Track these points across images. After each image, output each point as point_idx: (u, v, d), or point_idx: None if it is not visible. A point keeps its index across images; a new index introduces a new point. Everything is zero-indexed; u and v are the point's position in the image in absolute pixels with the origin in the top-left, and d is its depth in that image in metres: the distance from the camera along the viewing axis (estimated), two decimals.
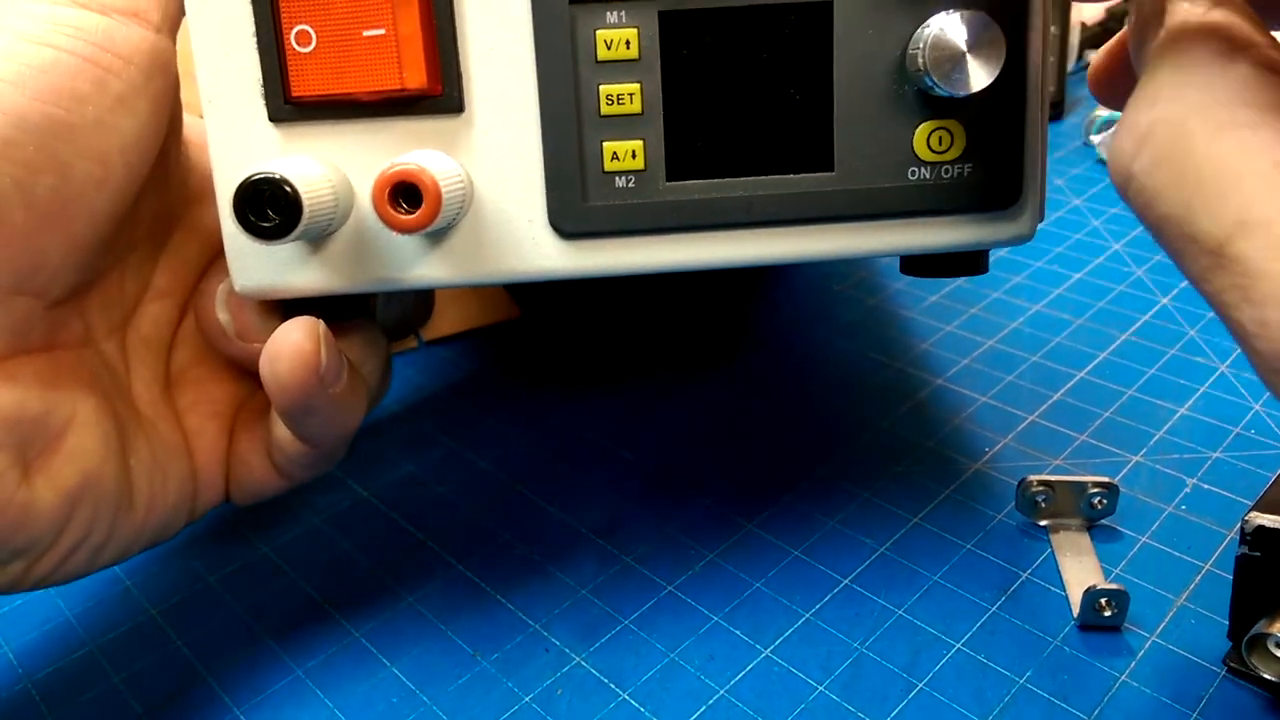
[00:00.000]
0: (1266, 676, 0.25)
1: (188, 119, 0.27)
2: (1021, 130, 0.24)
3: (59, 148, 0.22)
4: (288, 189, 0.21)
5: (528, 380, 0.40)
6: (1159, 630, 0.28)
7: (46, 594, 0.31)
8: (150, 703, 0.27)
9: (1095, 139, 0.58)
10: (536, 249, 0.24)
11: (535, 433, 0.37)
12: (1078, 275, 0.46)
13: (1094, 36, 0.75)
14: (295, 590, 0.31)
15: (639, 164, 0.24)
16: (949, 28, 0.22)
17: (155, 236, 0.27)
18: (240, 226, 0.21)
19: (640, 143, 0.24)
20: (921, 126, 0.24)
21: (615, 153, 0.24)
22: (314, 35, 0.22)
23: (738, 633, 0.28)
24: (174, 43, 0.24)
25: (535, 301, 0.44)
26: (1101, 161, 0.58)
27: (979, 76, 0.22)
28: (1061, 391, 0.38)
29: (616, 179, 0.24)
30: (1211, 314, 0.42)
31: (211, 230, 0.27)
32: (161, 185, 0.26)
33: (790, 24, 0.23)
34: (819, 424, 0.37)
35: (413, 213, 0.21)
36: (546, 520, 0.33)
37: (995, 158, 0.24)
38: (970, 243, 0.25)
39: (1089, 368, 0.39)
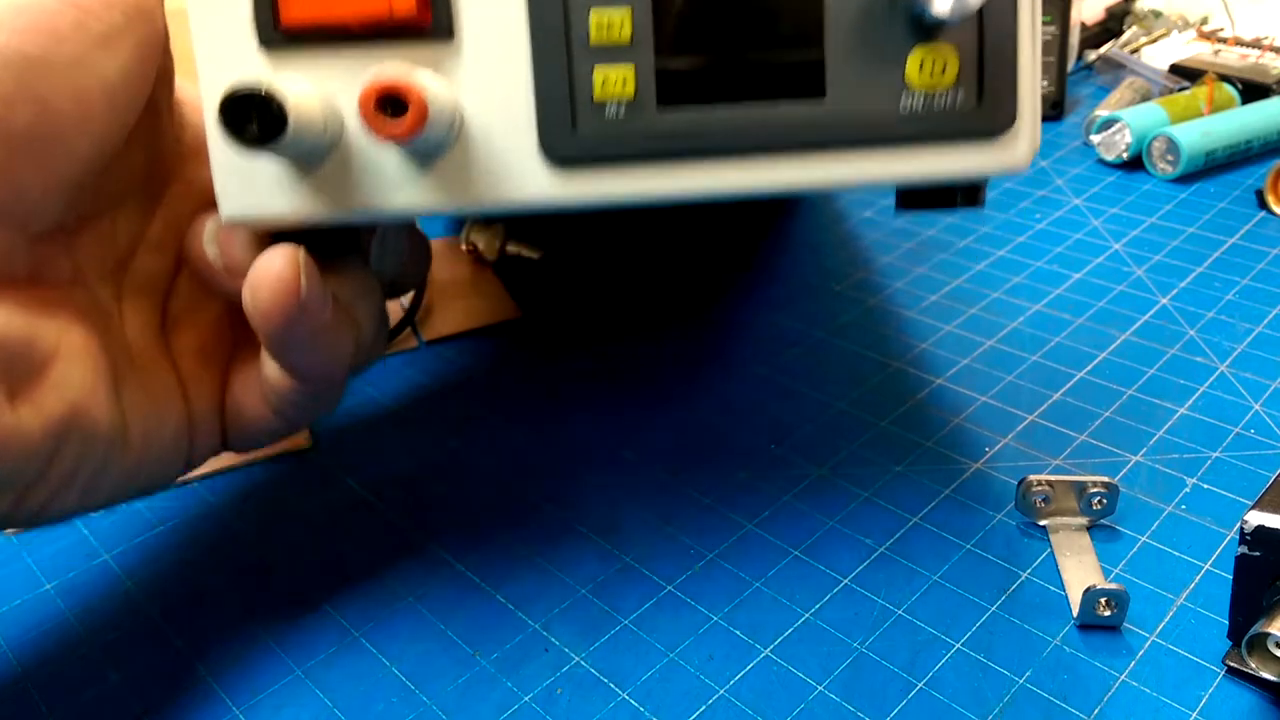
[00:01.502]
0: (1266, 676, 0.25)
1: (181, 82, 0.27)
2: (1015, 55, 0.23)
3: (35, 82, 0.22)
4: (273, 97, 0.21)
5: (528, 380, 0.40)
6: (1159, 630, 0.28)
7: (46, 593, 0.31)
8: (150, 703, 0.27)
9: (1095, 139, 0.58)
10: (526, 177, 0.24)
11: (535, 432, 0.37)
12: (1078, 275, 0.46)
13: (1094, 36, 0.75)
14: (295, 590, 0.31)
15: (629, 92, 0.24)
16: None
17: (149, 189, 0.27)
18: (226, 132, 0.21)
19: (630, 70, 0.24)
20: (914, 52, 0.24)
21: (605, 80, 0.24)
22: None
23: (737, 632, 0.28)
24: None
25: (534, 301, 0.44)
26: (1101, 161, 0.58)
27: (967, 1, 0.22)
28: (1061, 391, 0.38)
29: (607, 107, 0.24)
30: (1211, 314, 0.42)
31: (206, 188, 0.27)
32: (154, 137, 0.26)
33: None
34: (819, 424, 0.37)
35: (400, 120, 0.21)
36: (546, 520, 0.33)
37: (988, 84, 0.24)
38: (964, 171, 0.25)
39: (1089, 368, 0.39)
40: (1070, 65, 0.68)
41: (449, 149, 0.24)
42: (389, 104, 0.21)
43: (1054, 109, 0.65)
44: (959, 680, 0.26)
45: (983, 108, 0.24)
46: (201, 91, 0.24)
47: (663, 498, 0.33)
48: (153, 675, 0.28)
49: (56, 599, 0.31)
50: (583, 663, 0.28)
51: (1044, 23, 0.64)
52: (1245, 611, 0.25)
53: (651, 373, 0.40)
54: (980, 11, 0.22)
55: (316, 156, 0.24)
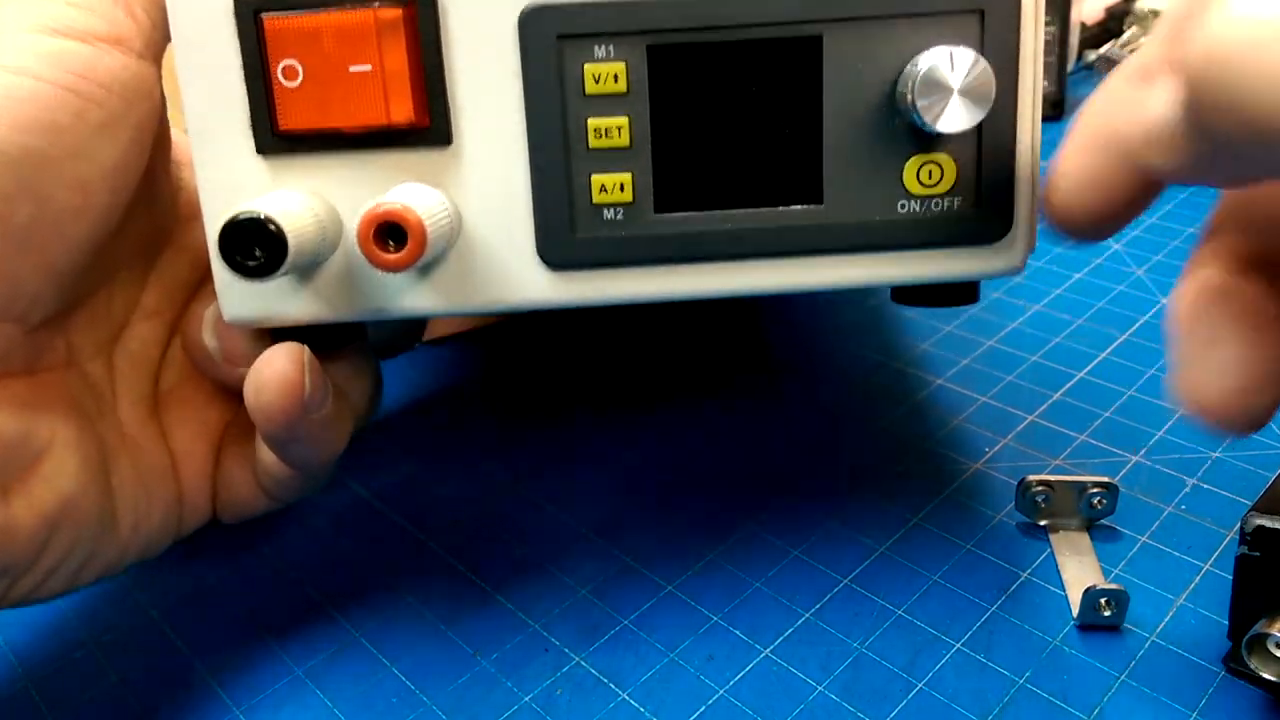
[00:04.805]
0: (1266, 676, 0.25)
1: (178, 137, 0.26)
2: (1012, 164, 0.24)
3: (36, 177, 0.21)
4: (272, 228, 0.21)
5: (527, 380, 0.40)
6: (1159, 630, 0.28)
7: None
8: (150, 703, 0.27)
9: None
10: (525, 280, 0.24)
11: (535, 432, 0.37)
12: (1078, 275, 0.46)
13: (1094, 36, 0.75)
14: (295, 590, 0.31)
15: (627, 196, 0.24)
16: (939, 66, 0.21)
17: (144, 256, 0.27)
18: (226, 265, 0.21)
19: (628, 175, 0.24)
20: (911, 160, 0.24)
21: (603, 185, 0.24)
22: (300, 70, 0.22)
23: (737, 633, 0.28)
24: (158, 66, 0.24)
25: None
26: None
27: (968, 116, 0.22)
28: (1061, 391, 0.38)
29: (604, 211, 0.24)
30: None
31: (201, 249, 0.26)
32: (150, 205, 0.26)
33: (780, 58, 0.23)
34: (819, 424, 0.37)
35: (398, 251, 0.21)
36: (546, 520, 0.33)
37: (985, 191, 0.24)
38: (959, 275, 0.25)
39: (1089, 368, 0.39)
40: (1070, 65, 0.67)
41: (448, 252, 0.24)
42: (388, 234, 0.21)
43: (1054, 109, 0.65)
44: (959, 680, 0.26)
45: (979, 214, 0.24)
46: (200, 196, 0.24)
47: (663, 498, 0.33)
48: (153, 675, 0.28)
49: (57, 599, 0.31)
50: (583, 663, 0.28)
51: (1044, 23, 0.64)
52: (1245, 611, 0.25)
53: (652, 372, 0.40)
54: (979, 123, 0.22)
55: (317, 265, 0.24)
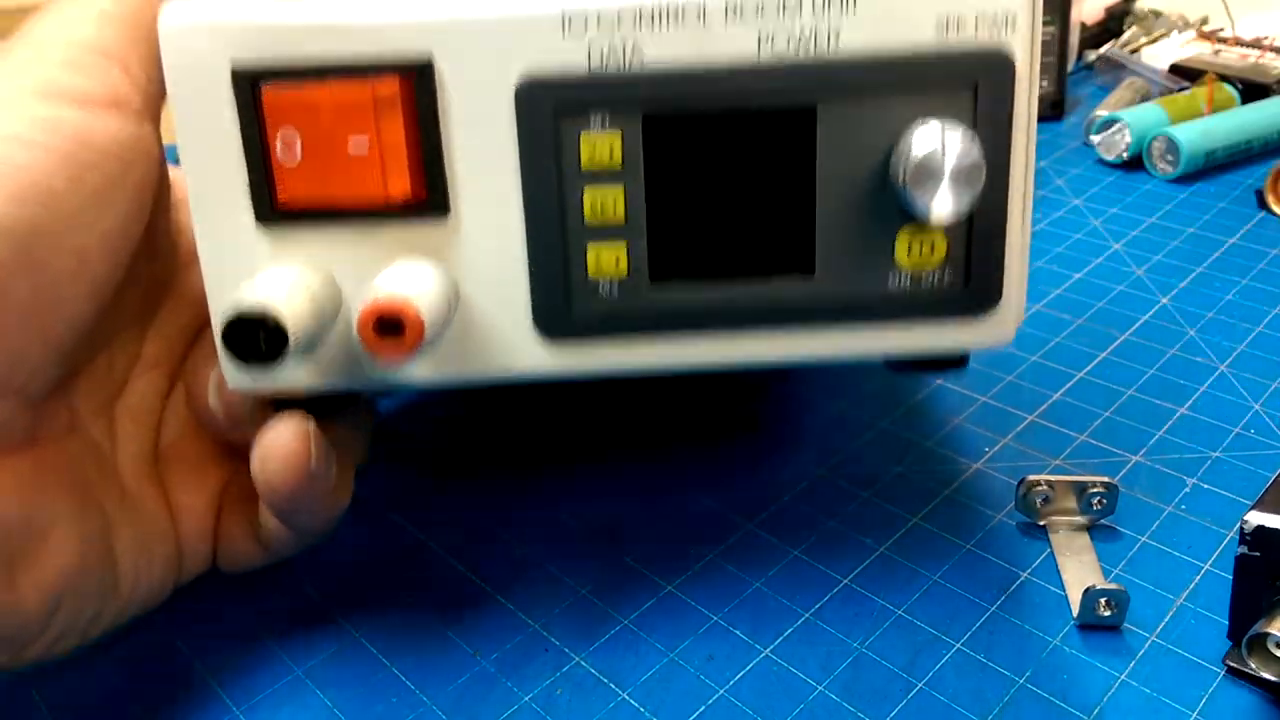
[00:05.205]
0: (1266, 676, 0.25)
1: (176, 177, 0.26)
2: (1002, 240, 0.24)
3: (35, 247, 0.21)
4: (272, 322, 0.21)
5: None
6: (1159, 630, 0.28)
7: None
8: (150, 703, 0.27)
9: (1095, 139, 0.58)
10: (522, 350, 0.25)
11: (535, 432, 0.37)
12: (1078, 275, 0.46)
13: (1094, 36, 0.75)
14: (295, 590, 0.31)
15: (622, 269, 0.24)
16: (931, 155, 0.22)
17: (144, 309, 0.27)
18: (230, 356, 0.21)
19: (624, 247, 0.24)
20: (902, 233, 0.24)
21: (599, 257, 0.24)
22: (299, 146, 0.22)
23: (737, 633, 0.28)
24: (157, 124, 0.24)
25: None
26: (1101, 162, 0.58)
27: (959, 204, 0.22)
28: (1061, 391, 0.38)
29: (600, 284, 0.24)
30: (1211, 314, 0.42)
31: (200, 296, 0.26)
32: (149, 259, 0.26)
33: (774, 130, 0.23)
34: (819, 424, 0.37)
35: (397, 344, 0.21)
36: (546, 520, 0.33)
37: (975, 267, 0.24)
38: (949, 346, 0.25)
39: (1089, 368, 0.39)
40: (1070, 65, 0.68)
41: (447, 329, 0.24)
42: (387, 326, 0.21)
43: (1054, 109, 0.65)
44: (959, 680, 0.26)
45: (970, 288, 0.24)
46: (202, 265, 0.24)
47: (663, 498, 0.33)
48: (153, 675, 0.28)
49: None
50: (583, 663, 0.28)
51: (1044, 23, 0.64)
52: (1245, 611, 0.25)
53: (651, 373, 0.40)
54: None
55: (319, 339, 0.24)
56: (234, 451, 0.28)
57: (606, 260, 0.24)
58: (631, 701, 0.26)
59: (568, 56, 0.22)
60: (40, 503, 0.23)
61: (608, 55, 0.22)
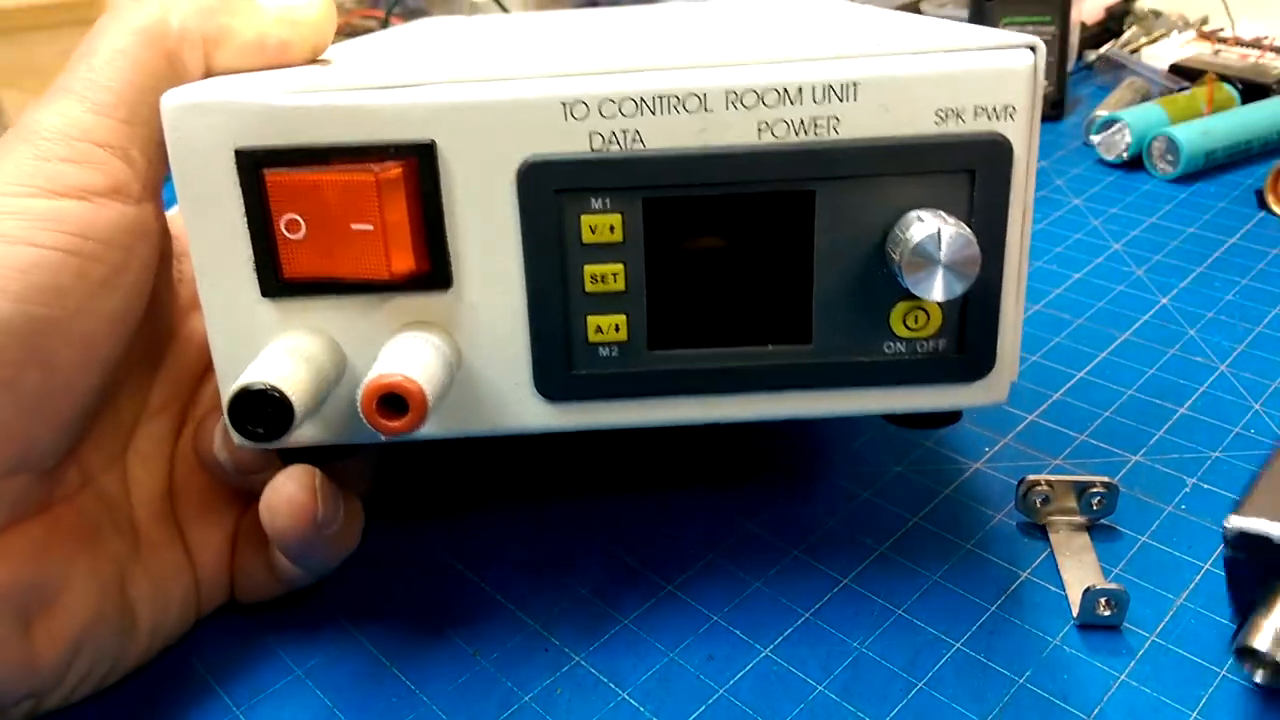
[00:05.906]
0: (1258, 682, 0.25)
1: (174, 217, 0.26)
2: (997, 311, 0.24)
3: (43, 342, 0.21)
4: (278, 397, 0.21)
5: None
6: (1159, 630, 0.28)
7: None
8: (150, 702, 0.27)
9: (1095, 139, 0.58)
10: (522, 409, 0.25)
11: (536, 433, 0.37)
12: (1078, 275, 0.46)
13: (1094, 36, 0.75)
14: (295, 590, 0.31)
15: (622, 336, 0.24)
16: (927, 241, 0.22)
17: (149, 358, 0.27)
18: (237, 433, 0.22)
19: (623, 317, 0.24)
20: (897, 306, 0.24)
21: (599, 326, 0.24)
22: (303, 224, 0.23)
23: (737, 632, 0.28)
24: (159, 203, 0.24)
25: None
26: (1101, 162, 0.58)
27: (953, 288, 0.22)
28: (1061, 391, 0.38)
29: (600, 349, 0.25)
30: (1211, 314, 0.42)
31: (204, 338, 0.26)
32: (154, 320, 0.26)
33: (772, 211, 0.23)
34: (819, 424, 0.37)
35: (400, 419, 0.22)
36: (546, 520, 0.33)
37: (970, 336, 0.24)
38: (943, 406, 0.26)
39: (1089, 368, 0.39)
40: (1070, 65, 0.68)
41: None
42: (390, 403, 0.22)
43: (1054, 109, 0.65)
44: (959, 680, 0.26)
45: (964, 355, 0.25)
46: (208, 335, 0.24)
47: (663, 498, 0.33)
48: (153, 675, 0.28)
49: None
50: (583, 663, 0.28)
51: (1044, 23, 0.65)
52: (1243, 611, 0.25)
53: None
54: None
55: (324, 401, 0.24)
56: (247, 493, 0.29)
57: (606, 328, 0.24)
58: (631, 701, 0.26)
59: (569, 140, 0.23)
60: (54, 561, 0.24)
61: (609, 139, 0.23)
